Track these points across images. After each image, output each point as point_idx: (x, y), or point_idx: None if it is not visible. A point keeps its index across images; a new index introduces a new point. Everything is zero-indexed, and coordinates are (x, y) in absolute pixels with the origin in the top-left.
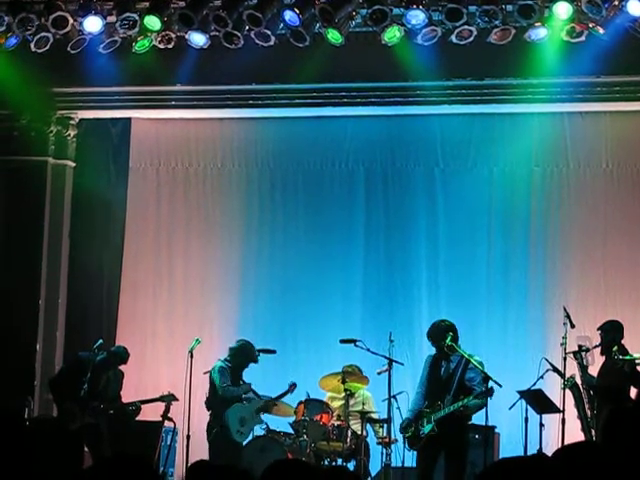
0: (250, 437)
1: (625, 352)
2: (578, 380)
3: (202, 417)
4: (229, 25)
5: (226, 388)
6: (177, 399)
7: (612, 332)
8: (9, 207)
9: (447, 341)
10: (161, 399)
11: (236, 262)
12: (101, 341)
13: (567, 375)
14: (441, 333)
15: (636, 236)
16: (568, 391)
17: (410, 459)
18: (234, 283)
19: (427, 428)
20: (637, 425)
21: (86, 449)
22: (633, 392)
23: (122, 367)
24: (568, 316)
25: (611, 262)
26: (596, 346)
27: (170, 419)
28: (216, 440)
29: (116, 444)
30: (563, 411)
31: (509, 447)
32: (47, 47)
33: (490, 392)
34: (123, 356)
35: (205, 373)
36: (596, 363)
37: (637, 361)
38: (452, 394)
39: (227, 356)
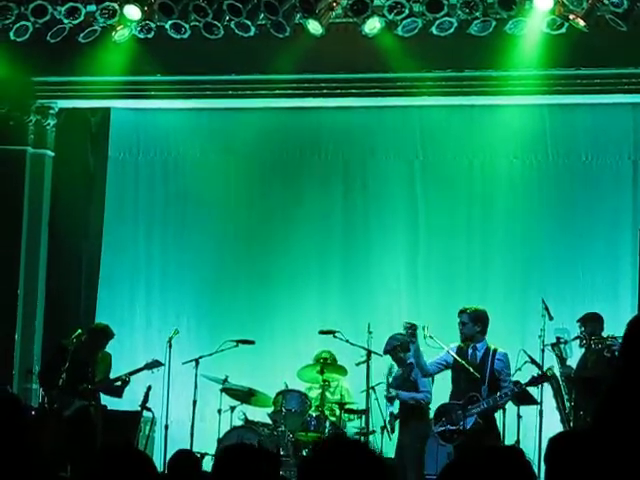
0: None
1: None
2: (557, 372)
3: (181, 407)
4: (209, 15)
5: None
6: (162, 364)
7: (592, 324)
8: None
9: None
10: (146, 367)
11: (213, 252)
12: (80, 331)
13: (545, 367)
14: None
15: (614, 228)
16: (546, 383)
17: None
18: (211, 273)
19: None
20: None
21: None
22: None
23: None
24: (546, 308)
25: (589, 254)
26: (575, 338)
27: (148, 409)
28: None
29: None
30: (541, 403)
31: None
32: (27, 36)
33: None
34: (107, 331)
35: (184, 363)
36: (575, 355)
37: (609, 342)
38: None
39: None
